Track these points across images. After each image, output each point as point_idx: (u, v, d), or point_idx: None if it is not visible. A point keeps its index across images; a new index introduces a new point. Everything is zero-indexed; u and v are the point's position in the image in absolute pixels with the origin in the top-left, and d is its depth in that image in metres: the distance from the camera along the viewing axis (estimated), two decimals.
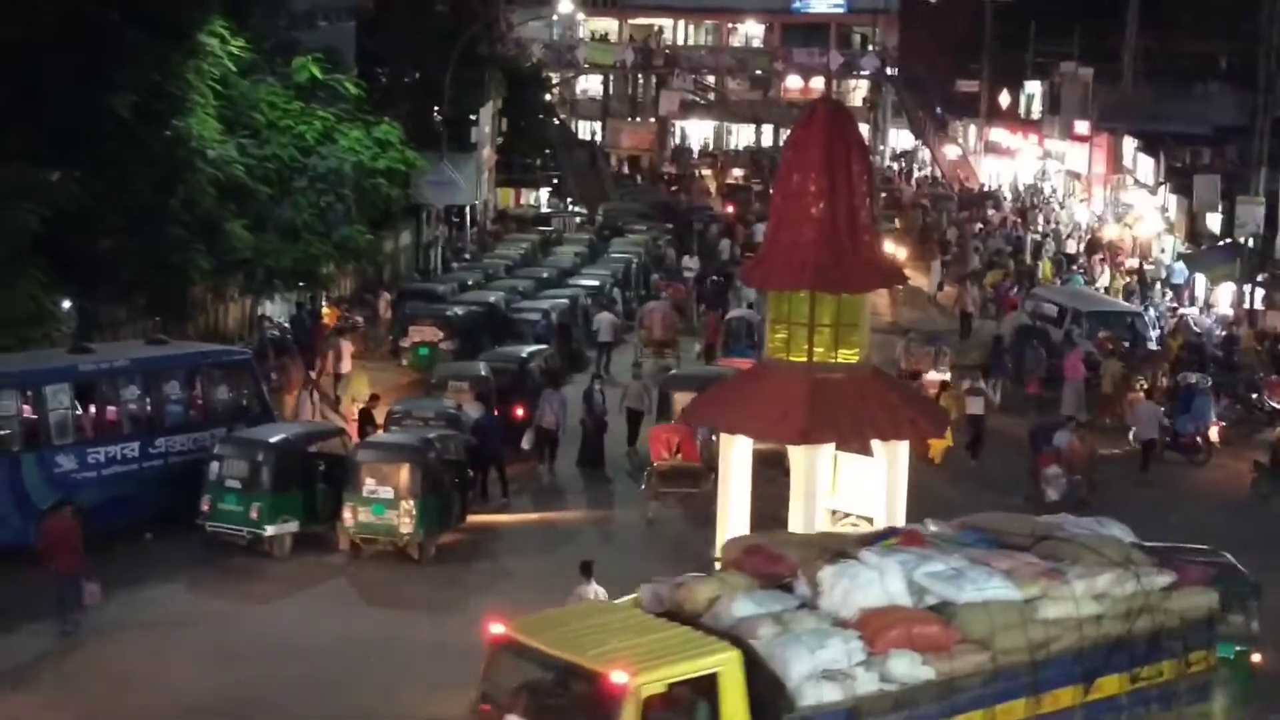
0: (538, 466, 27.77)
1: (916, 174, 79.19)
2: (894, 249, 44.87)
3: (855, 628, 12.44)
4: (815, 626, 12.40)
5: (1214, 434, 30.08)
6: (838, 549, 13.71)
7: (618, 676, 11.35)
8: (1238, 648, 16.73)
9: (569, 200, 63.28)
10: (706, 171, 77.69)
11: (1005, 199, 67.67)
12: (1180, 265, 46.04)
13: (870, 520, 18.40)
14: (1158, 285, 45.43)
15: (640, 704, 11.35)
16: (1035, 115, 70.37)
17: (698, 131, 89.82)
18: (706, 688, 11.71)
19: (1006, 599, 12.98)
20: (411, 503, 22.30)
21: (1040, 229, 57.50)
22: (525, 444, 27.61)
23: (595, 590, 16.85)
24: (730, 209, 61.78)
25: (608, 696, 11.33)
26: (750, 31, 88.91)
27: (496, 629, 12.39)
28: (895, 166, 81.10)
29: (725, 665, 11.76)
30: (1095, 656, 13.21)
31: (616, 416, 28.76)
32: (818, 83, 77.69)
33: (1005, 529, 14.76)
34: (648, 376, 30.76)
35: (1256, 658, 16.96)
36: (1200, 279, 44.39)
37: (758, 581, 13.17)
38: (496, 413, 27.09)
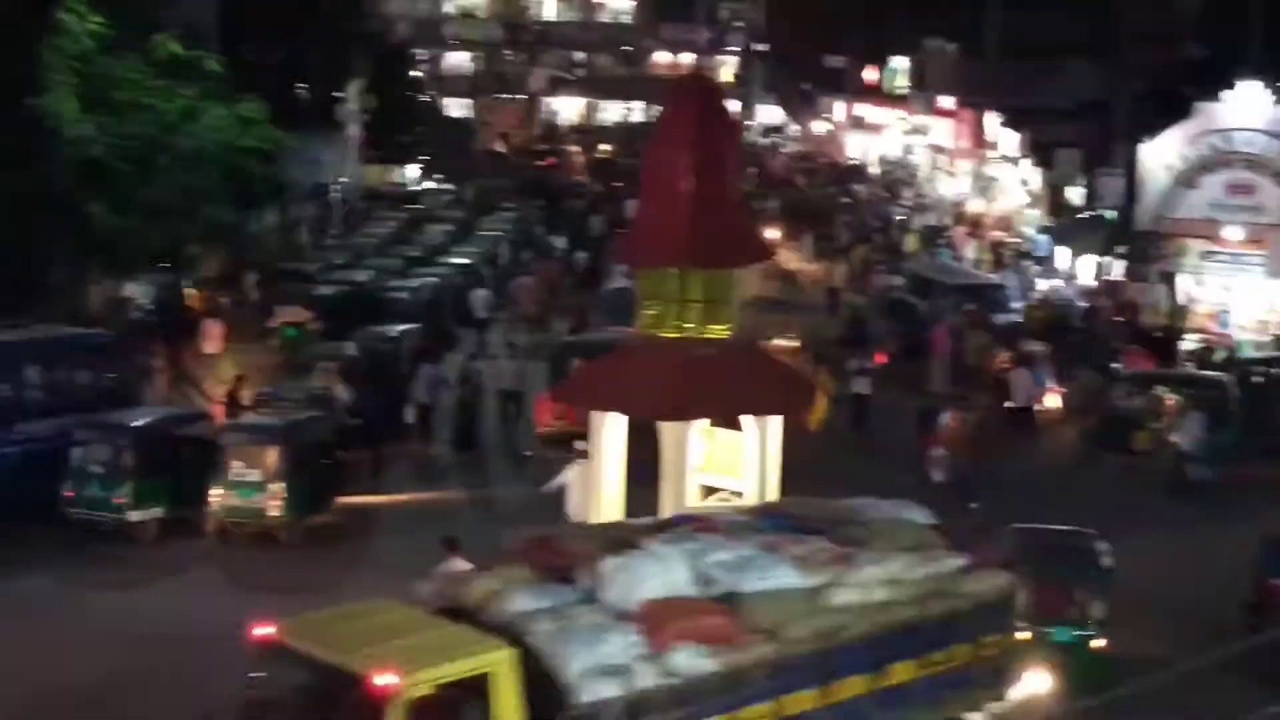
0: (422, 445, 27.64)
1: (785, 149, 79.68)
2: (767, 225, 45.22)
3: (637, 621, 11.92)
4: (595, 620, 11.93)
5: (1050, 401, 30.68)
6: (626, 539, 13.23)
7: (383, 679, 10.83)
8: (1077, 632, 16.88)
9: (439, 178, 62.85)
10: (576, 148, 77.70)
11: (873, 173, 68.32)
12: (1044, 238, 46.80)
13: (741, 495, 18.54)
14: (1013, 257, 46.13)
15: (407, 707, 10.85)
16: (901, 91, 71.12)
17: (568, 108, 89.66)
18: (478, 687, 11.22)
19: (795, 587, 12.65)
20: (280, 485, 22.03)
21: (907, 203, 58.15)
22: (408, 419, 27.43)
23: (461, 566, 16.74)
24: (598, 185, 61.86)
25: (373, 700, 10.82)
26: (619, 7, 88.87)
27: (262, 631, 11.80)
28: (765, 142, 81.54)
29: (498, 664, 11.31)
30: (886, 643, 12.90)
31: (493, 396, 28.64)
32: (687, 58, 77.87)
33: (805, 513, 14.42)
34: (523, 355, 30.50)
35: (1099, 643, 16.94)
36: (1063, 251, 45.18)
37: (541, 575, 12.67)
38: (370, 392, 26.83)
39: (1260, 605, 17.68)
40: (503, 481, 25.86)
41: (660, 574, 12.41)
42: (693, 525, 13.81)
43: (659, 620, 11.90)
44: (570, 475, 22.10)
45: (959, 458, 25.60)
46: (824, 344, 33.24)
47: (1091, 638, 17.03)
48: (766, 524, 13.97)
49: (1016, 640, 14.53)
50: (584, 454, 22.55)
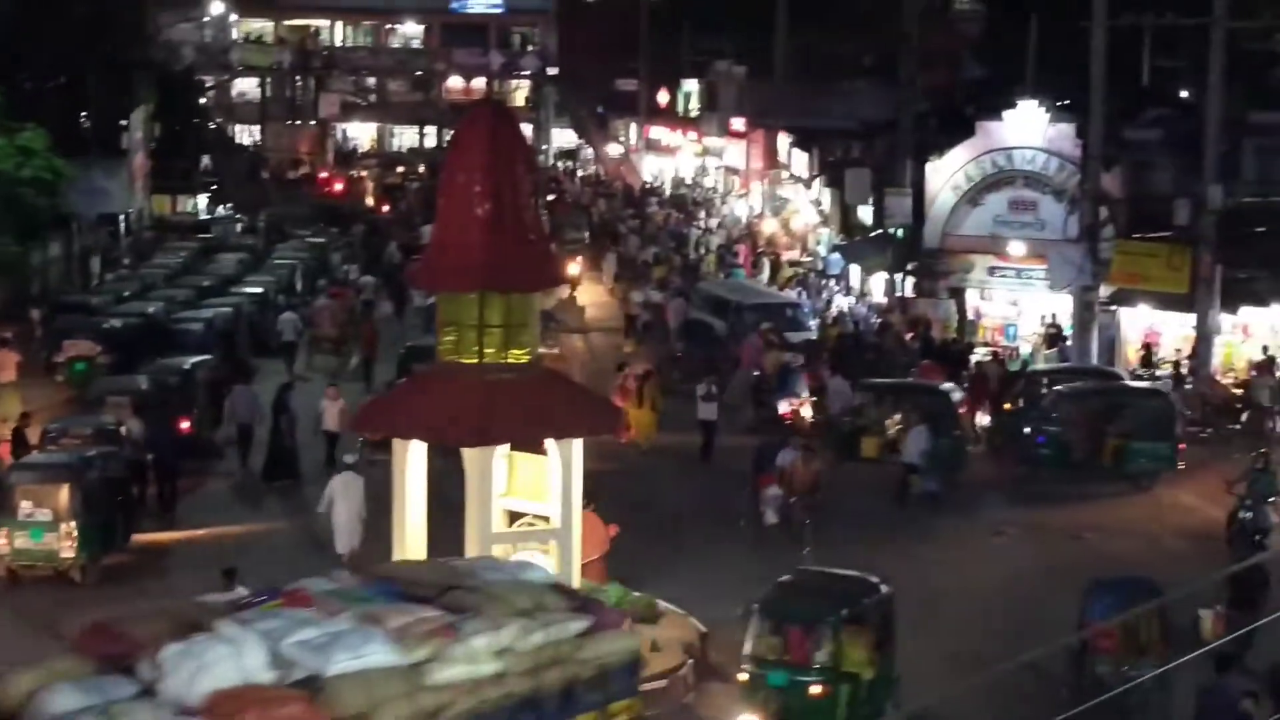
0: (235, 471, 27.28)
1: (581, 173, 79.96)
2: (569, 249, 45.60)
3: (200, 714, 10.87)
4: (151, 716, 10.88)
5: (804, 411, 31.18)
6: (196, 620, 11.99)
7: None
8: (798, 677, 16.43)
9: (229, 206, 61.76)
10: (365, 173, 76.95)
11: (667, 195, 68.89)
12: (836, 256, 47.64)
13: (547, 519, 18.51)
14: (813, 276, 46.89)
15: None
16: (693, 113, 71.85)
17: (360, 133, 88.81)
18: None
19: (390, 665, 11.53)
20: (72, 524, 21.43)
21: (702, 224, 58.74)
22: (220, 440, 27.27)
23: (239, 595, 16.46)
24: (387, 209, 61.67)
25: None
26: (409, 32, 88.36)
27: None
28: (560, 166, 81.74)
29: None
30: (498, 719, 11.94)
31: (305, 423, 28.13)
32: (480, 83, 77.73)
33: (416, 578, 13.38)
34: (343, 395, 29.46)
35: (817, 689, 16.44)
36: (855, 269, 46.05)
37: (98, 665, 11.48)
38: (162, 425, 26.21)
39: (1085, 648, 17.14)
40: (304, 511, 25.45)
41: (230, 659, 11.20)
42: (281, 600, 12.66)
43: (225, 712, 10.78)
44: (335, 487, 22.01)
45: (795, 499, 24.60)
46: (657, 363, 33.42)
47: (810, 683, 16.48)
48: (371, 592, 12.90)
49: (641, 705, 13.65)
50: (348, 466, 22.52)
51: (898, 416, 28.20)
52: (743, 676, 16.88)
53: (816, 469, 24.96)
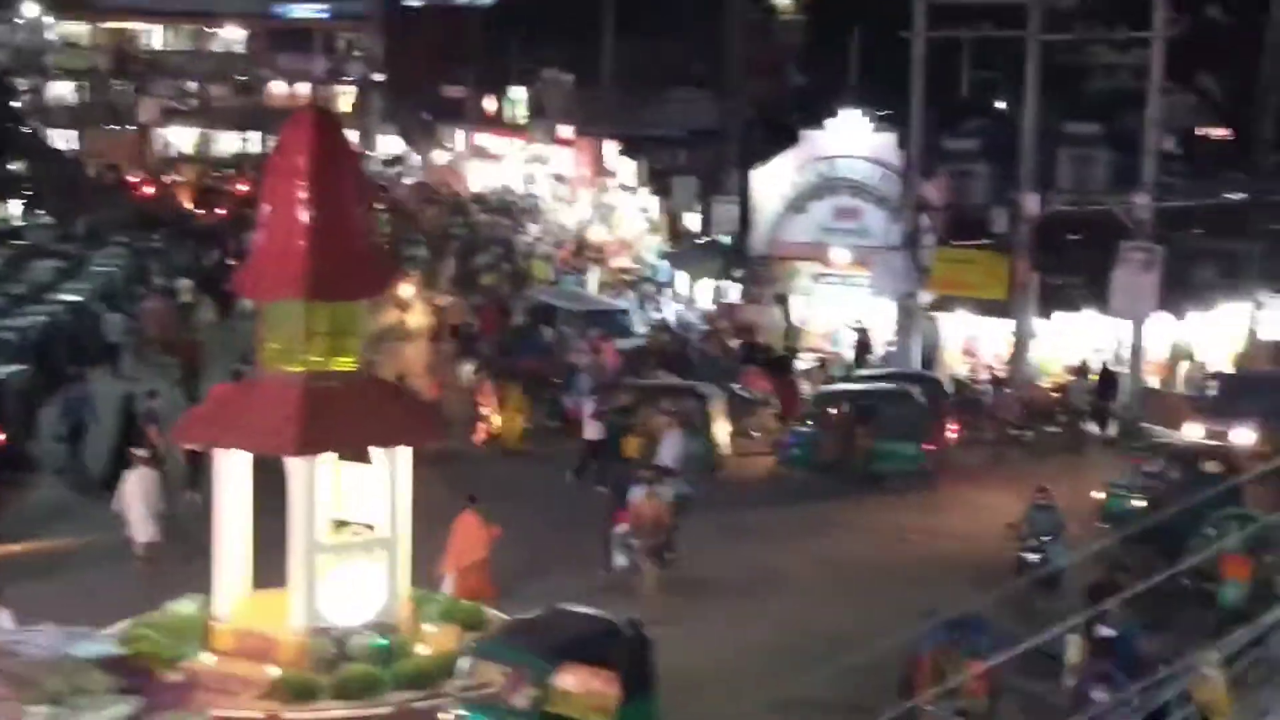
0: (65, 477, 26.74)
1: (408, 180, 79.32)
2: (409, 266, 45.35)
3: None
4: None
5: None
6: None
7: None
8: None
9: (45, 212, 60.16)
10: (182, 178, 75.50)
11: (495, 203, 68.62)
12: (664, 264, 47.89)
13: (372, 528, 18.30)
14: (644, 284, 47.04)
15: None
16: (521, 121, 71.73)
17: (182, 139, 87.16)
18: None
19: None
20: None
21: (531, 232, 58.63)
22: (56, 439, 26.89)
23: (5, 617, 16.09)
24: (204, 213, 60.81)
25: None
26: (231, 36, 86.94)
27: None
28: (387, 172, 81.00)
29: None
30: None
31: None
32: (304, 89, 76.79)
33: None
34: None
35: None
36: (682, 277, 46.32)
37: None
38: None
39: (908, 680, 16.60)
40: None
41: None
42: None
43: None
44: (130, 484, 21.70)
45: (639, 542, 22.30)
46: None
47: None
48: None
49: None
50: (145, 461, 22.24)
51: (661, 418, 27.97)
52: (445, 716, 16.04)
53: (659, 506, 22.39)
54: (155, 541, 21.84)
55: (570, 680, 15.41)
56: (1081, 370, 33.90)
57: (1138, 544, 21.20)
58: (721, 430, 29.74)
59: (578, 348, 35.43)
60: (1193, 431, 29.83)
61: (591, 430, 28.51)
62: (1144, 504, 24.14)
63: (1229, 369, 33.66)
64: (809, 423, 29.56)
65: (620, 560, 22.30)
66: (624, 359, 35.20)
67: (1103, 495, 24.95)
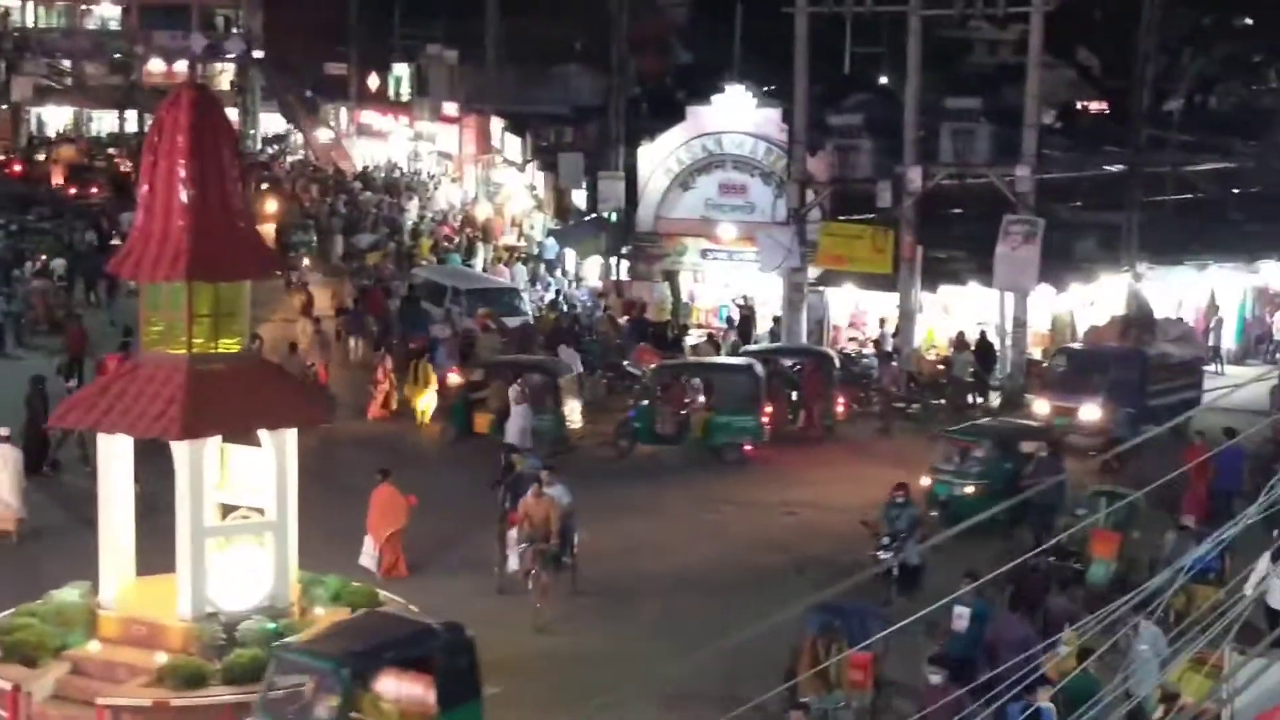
0: None
1: (291, 158, 78.42)
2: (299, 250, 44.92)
3: None
4: None
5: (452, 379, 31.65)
6: None
7: None
8: None
9: None
10: (55, 157, 73.92)
11: (381, 181, 68.06)
12: (551, 241, 47.77)
13: (261, 512, 18.10)
14: (531, 262, 46.89)
15: None
16: (405, 98, 71.16)
17: (57, 118, 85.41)
18: None
19: None
20: None
21: (417, 209, 58.21)
22: None
23: None
24: (79, 192, 59.85)
25: None
26: (106, 14, 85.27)
27: None
28: (269, 151, 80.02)
29: None
30: None
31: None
32: (182, 66, 75.54)
33: None
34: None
35: None
36: (570, 253, 46.25)
37: None
38: None
39: (791, 671, 16.12)
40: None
41: None
42: None
43: None
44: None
45: (526, 545, 20.81)
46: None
47: None
48: None
49: None
50: (5, 439, 22.21)
51: (512, 391, 27.99)
52: None
53: (548, 505, 20.84)
54: (23, 518, 22.47)
55: (382, 687, 14.91)
56: (962, 343, 34.31)
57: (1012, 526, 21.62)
58: (573, 406, 29.96)
59: (440, 322, 35.89)
60: (1040, 407, 30.15)
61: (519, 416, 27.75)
62: (971, 489, 24.17)
63: (1076, 344, 33.74)
64: (646, 398, 29.74)
65: (513, 563, 21.14)
66: (512, 336, 35.19)
67: (929, 481, 24.79)
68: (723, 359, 32.41)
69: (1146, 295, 35.26)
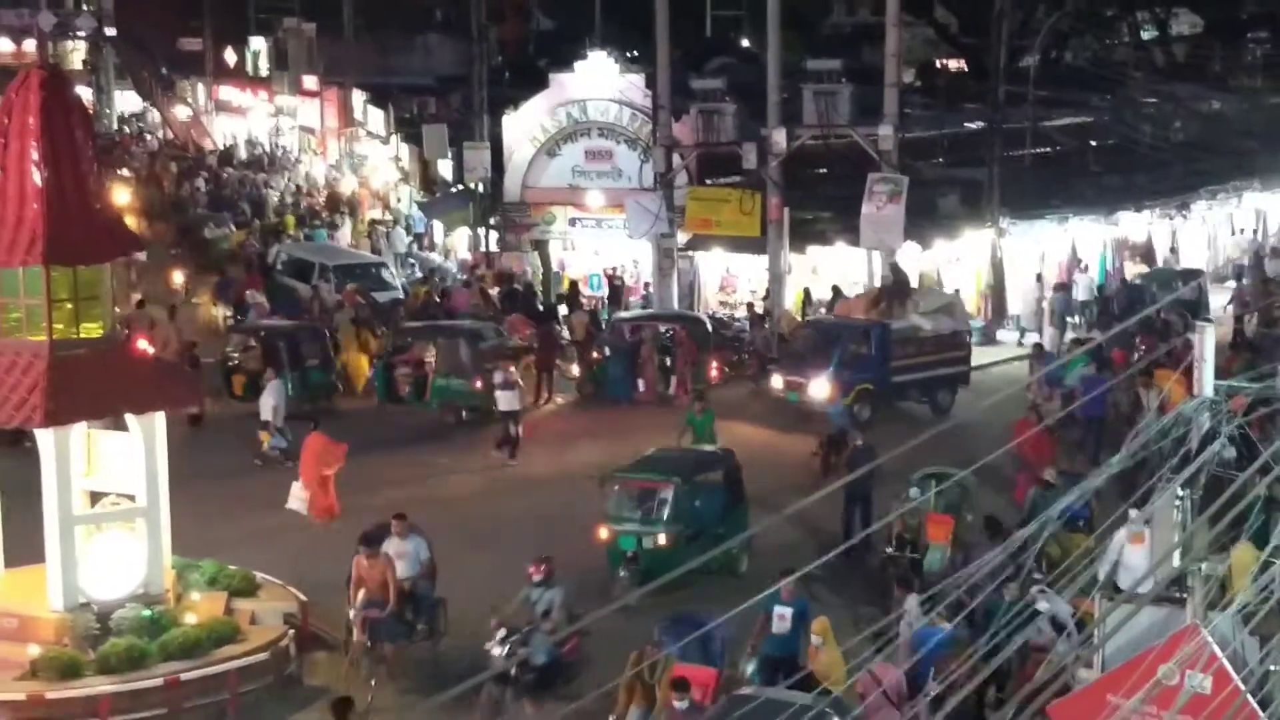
0: None
1: (150, 137, 77.01)
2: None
3: None
4: None
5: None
6: None
7: None
8: None
9: None
10: None
11: (243, 157, 67.11)
12: (418, 213, 47.41)
13: (132, 498, 17.81)
14: (399, 232, 46.51)
15: None
16: (264, 72, 70.13)
17: None
18: None
19: None
20: None
21: (280, 185, 57.46)
22: None
23: None
24: None
25: None
26: None
27: None
28: (125, 130, 78.49)
29: None
30: None
31: None
32: (30, 45, 73.78)
33: None
34: None
35: None
36: (438, 225, 45.94)
37: None
38: None
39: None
40: None
41: None
42: None
43: None
44: None
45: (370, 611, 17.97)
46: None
47: None
48: None
49: None
50: None
51: (268, 372, 27.79)
52: None
53: (383, 569, 17.84)
54: None
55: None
56: (832, 304, 34.61)
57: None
58: (354, 359, 31.14)
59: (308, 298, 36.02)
60: (775, 381, 29.94)
61: (507, 401, 27.05)
62: (664, 539, 20.57)
63: (821, 316, 33.38)
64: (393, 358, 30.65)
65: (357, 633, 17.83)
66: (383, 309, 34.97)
67: (607, 534, 20.84)
68: (456, 324, 32.73)
69: (904, 265, 34.37)
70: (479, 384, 28.81)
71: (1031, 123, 41.56)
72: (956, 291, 34.30)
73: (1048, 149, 43.50)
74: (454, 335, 30.66)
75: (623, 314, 35.30)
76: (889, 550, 20.08)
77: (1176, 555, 11.76)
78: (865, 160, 34.36)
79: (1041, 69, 43.80)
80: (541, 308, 36.67)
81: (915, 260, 36.00)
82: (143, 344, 27.61)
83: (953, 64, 61.88)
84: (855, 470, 19.87)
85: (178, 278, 40.70)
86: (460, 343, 30.07)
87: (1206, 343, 12.06)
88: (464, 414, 29.33)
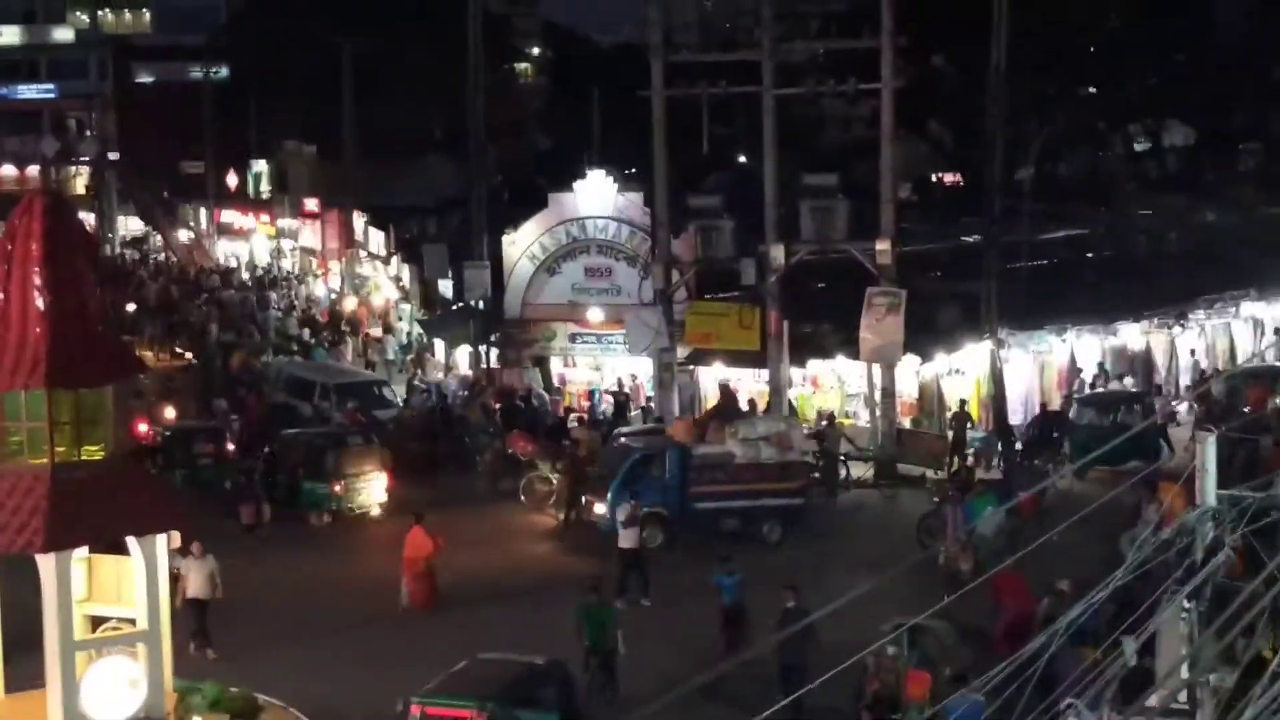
0: None
1: (152, 259, 77.51)
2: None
3: None
4: None
5: None
6: None
7: None
8: None
9: None
10: None
11: (243, 279, 67.47)
12: (419, 331, 47.58)
13: (133, 623, 17.71)
14: (401, 353, 46.67)
15: None
16: (265, 195, 70.75)
17: None
18: None
19: None
20: None
21: (280, 306, 57.72)
22: None
23: None
24: None
25: None
26: None
27: None
28: (128, 255, 79.03)
29: None
30: None
31: None
32: (34, 171, 74.57)
33: None
34: None
35: None
36: (439, 343, 46.08)
37: None
38: None
39: None
40: None
41: None
42: None
43: None
44: None
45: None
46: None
47: None
48: None
49: None
50: None
51: None
52: None
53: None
54: None
55: None
56: (831, 416, 34.66)
57: None
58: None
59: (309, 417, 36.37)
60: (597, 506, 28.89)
61: (628, 539, 25.89)
62: None
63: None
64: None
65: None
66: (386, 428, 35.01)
67: None
68: (326, 430, 34.12)
69: (733, 385, 34.22)
70: (337, 488, 30.47)
71: (1028, 237, 41.78)
72: (792, 415, 33.54)
73: (1044, 261, 43.73)
74: (317, 441, 32.03)
75: (624, 429, 35.11)
76: (865, 714, 18.31)
77: (1184, 668, 11.65)
78: (864, 273, 34.54)
79: (1036, 182, 44.18)
80: (539, 423, 36.63)
81: (915, 373, 36.08)
82: None
83: (949, 178, 62.50)
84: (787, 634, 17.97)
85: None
86: (324, 449, 31.28)
87: (1208, 452, 12.04)
88: (325, 517, 30.68)
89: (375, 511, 31.10)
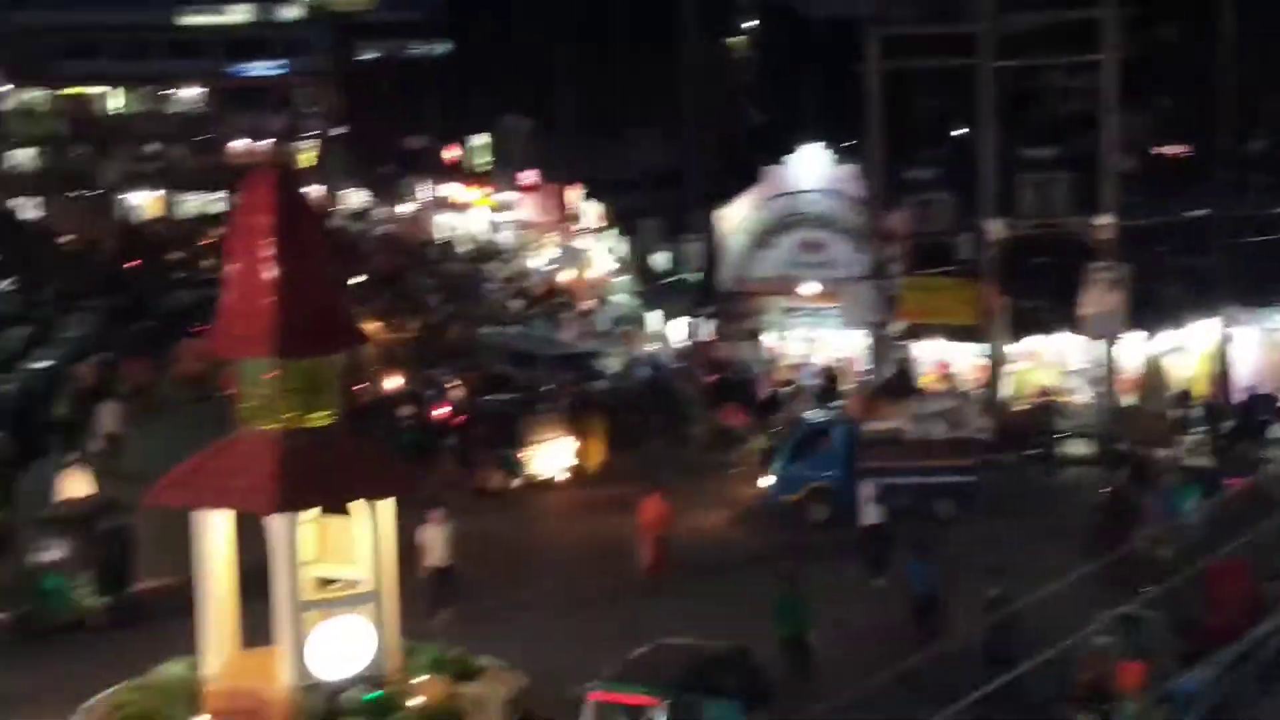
0: None
1: (374, 232, 79.38)
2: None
3: None
4: None
5: None
6: None
7: None
8: None
9: (10, 280, 59.96)
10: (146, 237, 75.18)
11: (463, 251, 68.73)
12: (635, 303, 47.96)
13: (358, 584, 18.24)
14: (617, 325, 47.07)
15: None
16: (484, 168, 71.88)
17: (145, 201, 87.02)
18: None
19: None
20: None
21: (499, 278, 58.66)
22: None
23: None
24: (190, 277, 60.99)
25: None
26: (189, 97, 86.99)
27: None
28: (353, 227, 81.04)
29: None
30: None
31: None
32: (264, 145, 76.81)
33: None
34: None
35: None
36: (655, 316, 46.41)
37: None
38: None
39: None
40: None
41: None
42: None
43: None
44: None
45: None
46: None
47: None
48: None
49: None
50: None
51: None
52: None
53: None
54: None
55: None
56: (1050, 391, 34.06)
57: None
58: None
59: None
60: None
61: (872, 515, 25.23)
62: None
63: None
64: None
65: None
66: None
67: None
68: (515, 397, 34.73)
69: (912, 363, 33.42)
70: (522, 455, 31.04)
71: (1258, 210, 40.48)
72: (966, 394, 33.22)
73: (1274, 236, 42.26)
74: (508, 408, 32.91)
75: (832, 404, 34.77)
76: (1080, 710, 17.56)
77: None
78: (1084, 247, 33.85)
79: (1268, 154, 42.76)
80: (765, 399, 36.55)
81: (1139, 349, 35.27)
82: None
83: (1174, 150, 60.71)
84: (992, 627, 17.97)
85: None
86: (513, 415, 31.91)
87: None
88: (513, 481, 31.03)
89: (561, 478, 31.58)
